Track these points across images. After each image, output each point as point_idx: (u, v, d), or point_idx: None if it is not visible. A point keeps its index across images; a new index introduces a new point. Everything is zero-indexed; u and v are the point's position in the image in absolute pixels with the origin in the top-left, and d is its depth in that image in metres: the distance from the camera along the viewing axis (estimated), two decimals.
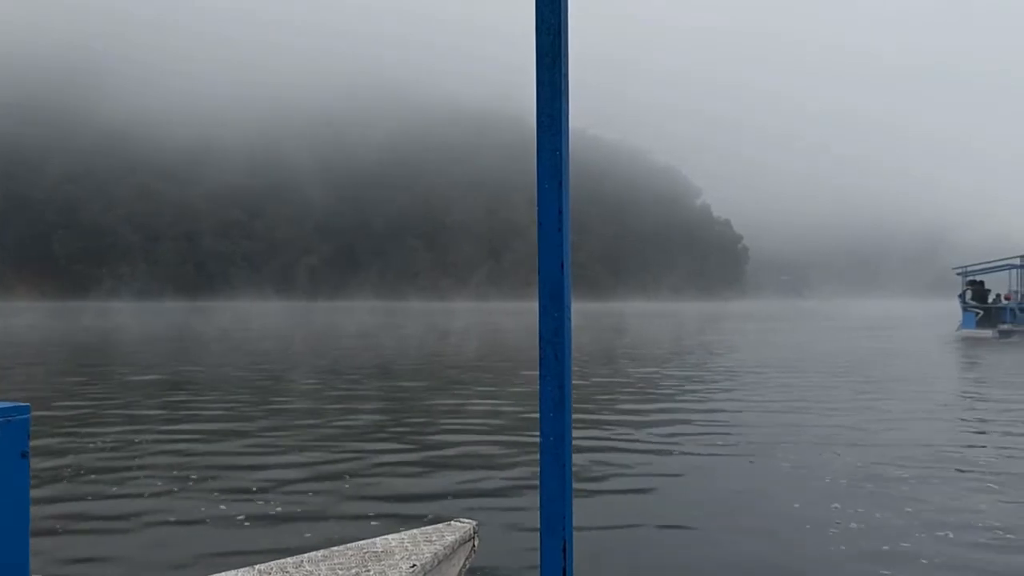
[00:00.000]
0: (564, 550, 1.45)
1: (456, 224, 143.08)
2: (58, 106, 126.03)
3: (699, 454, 8.43)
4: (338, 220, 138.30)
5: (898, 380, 16.29)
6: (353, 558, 2.24)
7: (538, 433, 1.46)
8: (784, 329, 41.86)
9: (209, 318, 56.24)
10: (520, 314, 61.95)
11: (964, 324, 35.42)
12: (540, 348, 1.33)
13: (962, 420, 11.12)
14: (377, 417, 10.91)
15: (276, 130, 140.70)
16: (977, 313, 35.40)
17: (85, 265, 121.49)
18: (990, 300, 36.06)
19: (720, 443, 9.03)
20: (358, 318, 57.26)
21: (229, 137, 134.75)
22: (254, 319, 54.46)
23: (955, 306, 38.25)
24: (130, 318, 56.28)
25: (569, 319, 1.31)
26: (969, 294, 36.25)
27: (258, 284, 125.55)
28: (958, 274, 37.77)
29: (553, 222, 1.26)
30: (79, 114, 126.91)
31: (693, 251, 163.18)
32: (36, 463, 6.04)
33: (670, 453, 8.43)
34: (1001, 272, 36.75)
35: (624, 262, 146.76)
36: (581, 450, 8.23)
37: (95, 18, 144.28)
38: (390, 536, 2.43)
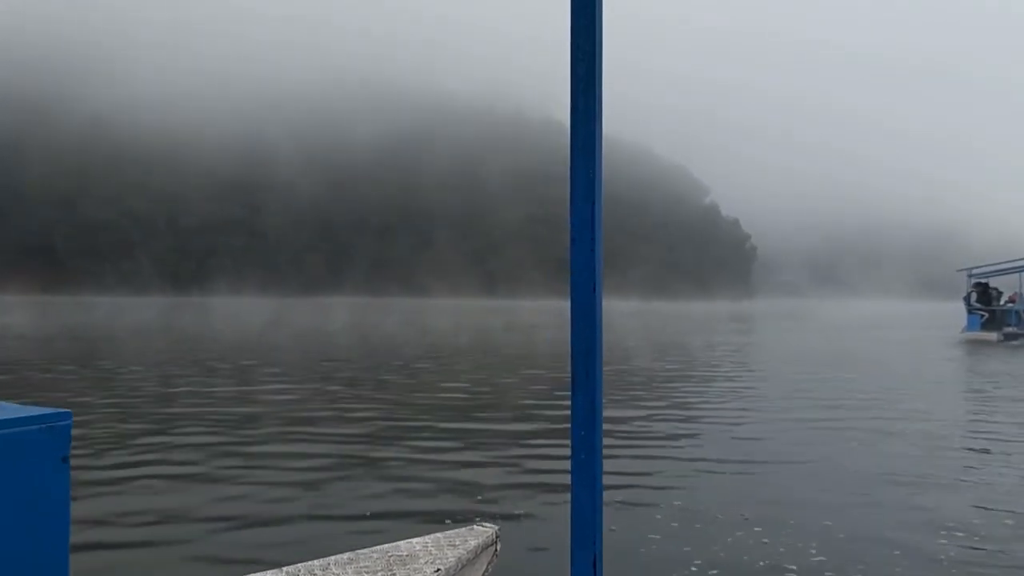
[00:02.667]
0: (595, 564, 1.46)
1: (449, 222, 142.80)
2: (46, 97, 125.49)
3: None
4: (330, 215, 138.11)
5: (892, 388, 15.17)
6: (378, 561, 2.28)
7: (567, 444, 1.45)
8: (784, 331, 40.84)
9: (237, 314, 55.62)
10: (511, 313, 61.14)
11: (969, 327, 34.36)
12: (572, 366, 1.33)
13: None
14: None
15: (266, 123, 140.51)
16: (982, 315, 34.32)
17: (86, 260, 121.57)
18: (1000, 302, 35.03)
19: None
20: (369, 313, 56.55)
21: (219, 130, 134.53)
22: (275, 315, 53.70)
23: (960, 308, 37.25)
24: (147, 312, 55.83)
25: (600, 338, 1.31)
26: (974, 296, 35.17)
27: (254, 279, 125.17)
28: (966, 276, 36.69)
29: (587, 243, 1.29)
30: (68, 105, 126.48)
31: (700, 250, 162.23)
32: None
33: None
34: (1011, 275, 35.69)
35: (629, 260, 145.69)
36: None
37: (82, 10, 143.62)
38: (414, 540, 2.45)
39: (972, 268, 36.44)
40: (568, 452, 1.41)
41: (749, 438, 9.67)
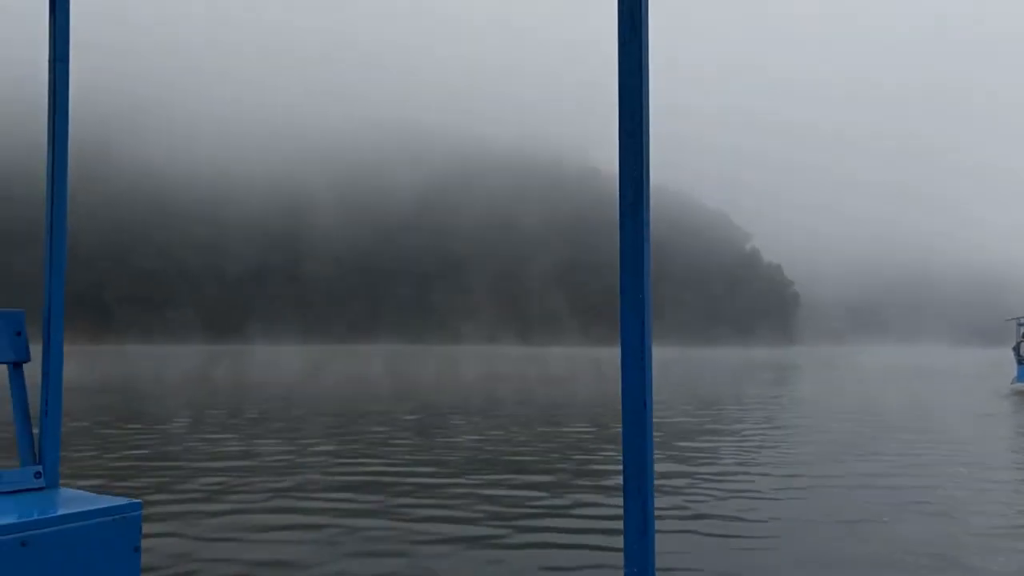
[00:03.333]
0: None
1: (485, 268, 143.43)
2: (98, 149, 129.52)
3: None
4: (368, 262, 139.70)
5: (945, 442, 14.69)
6: None
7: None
8: (825, 380, 39.99)
9: (299, 362, 56.12)
10: (547, 360, 60.73)
11: (1019, 378, 33.16)
12: (623, 415, 1.32)
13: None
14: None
15: (307, 172, 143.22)
16: None
17: (134, 310, 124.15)
18: None
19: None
20: (408, 362, 56.64)
21: (261, 179, 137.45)
22: (317, 364, 54.11)
23: (1009, 355, 36.08)
24: (192, 361, 56.52)
25: (650, 385, 1.31)
26: None
27: (295, 327, 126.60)
28: (1016, 324, 35.52)
29: (636, 292, 1.28)
30: (119, 157, 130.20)
31: (741, 296, 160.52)
32: None
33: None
34: None
35: (668, 307, 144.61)
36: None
37: (130, 63, 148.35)
38: None
39: (1021, 317, 35.40)
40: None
41: (772, 497, 9.40)
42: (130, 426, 15.22)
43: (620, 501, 1.26)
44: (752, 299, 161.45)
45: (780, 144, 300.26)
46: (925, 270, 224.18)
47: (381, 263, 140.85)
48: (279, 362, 56.55)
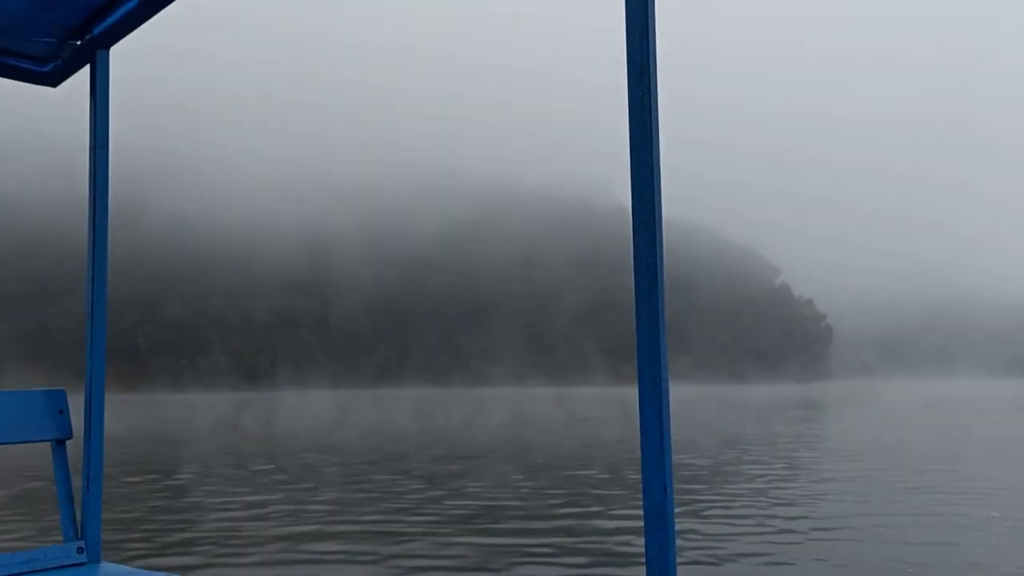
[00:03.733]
0: None
1: (513, 309, 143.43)
2: (129, 200, 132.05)
3: None
4: (396, 305, 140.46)
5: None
6: None
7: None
8: (859, 418, 39.09)
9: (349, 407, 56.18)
10: (575, 401, 60.16)
11: None
12: (642, 450, 1.31)
13: None
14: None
15: (332, 216, 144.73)
16: None
17: (167, 358, 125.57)
18: None
19: None
20: (438, 405, 56.43)
21: (288, 225, 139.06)
22: (346, 409, 54.08)
23: None
24: (225, 409, 56.70)
25: (668, 419, 1.32)
26: None
27: (324, 371, 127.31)
28: None
29: (652, 321, 1.30)
30: (149, 207, 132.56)
31: (771, 332, 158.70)
32: None
33: None
34: None
35: (695, 344, 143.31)
36: None
37: (155, 116, 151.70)
38: None
39: None
40: None
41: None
42: (161, 483, 15.06)
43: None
44: (783, 334, 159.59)
45: (808, 178, 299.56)
46: (958, 302, 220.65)
47: (408, 306, 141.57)
48: (308, 410, 56.57)
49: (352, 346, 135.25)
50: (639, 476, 1.29)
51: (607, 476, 15.22)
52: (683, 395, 70.93)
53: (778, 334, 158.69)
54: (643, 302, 1.31)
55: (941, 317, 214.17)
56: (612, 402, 55.24)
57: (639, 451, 1.29)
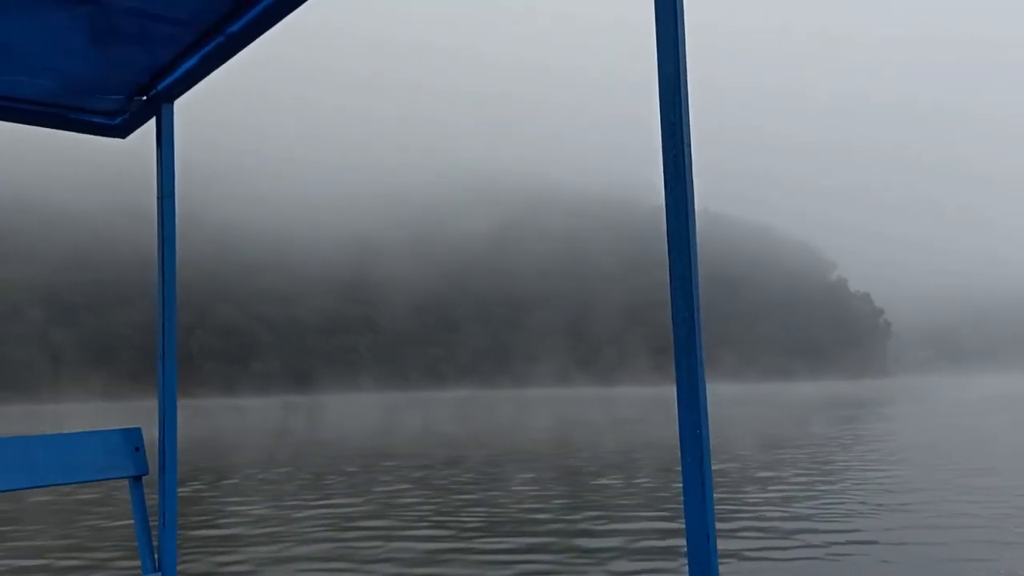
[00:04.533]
0: None
1: (557, 310, 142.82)
2: (181, 210, 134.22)
3: None
4: (441, 307, 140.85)
5: None
6: None
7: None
8: (920, 415, 37.68)
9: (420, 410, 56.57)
10: (621, 402, 59.41)
11: None
12: (682, 455, 1.34)
13: None
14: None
15: (378, 220, 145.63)
16: None
17: (220, 363, 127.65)
18: None
19: None
20: (519, 406, 56.29)
21: (334, 230, 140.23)
22: (399, 411, 54.24)
23: None
24: (278, 413, 57.33)
25: (707, 420, 1.34)
26: None
27: (373, 374, 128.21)
28: None
29: (686, 323, 1.33)
30: (200, 216, 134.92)
31: (825, 328, 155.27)
32: None
33: None
34: None
35: (749, 342, 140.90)
36: None
37: (204, 126, 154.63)
38: None
39: None
40: None
41: None
42: (228, 498, 14.85)
43: None
44: (839, 330, 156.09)
45: (863, 172, 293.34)
46: (1016, 297, 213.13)
47: (454, 307, 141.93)
48: (357, 414, 56.88)
49: (399, 348, 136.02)
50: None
51: (643, 482, 14.60)
52: (735, 394, 69.57)
53: (833, 330, 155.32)
54: (680, 317, 1.31)
55: (997, 311, 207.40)
56: (661, 402, 54.28)
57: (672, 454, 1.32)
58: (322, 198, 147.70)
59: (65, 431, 2.37)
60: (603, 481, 15.25)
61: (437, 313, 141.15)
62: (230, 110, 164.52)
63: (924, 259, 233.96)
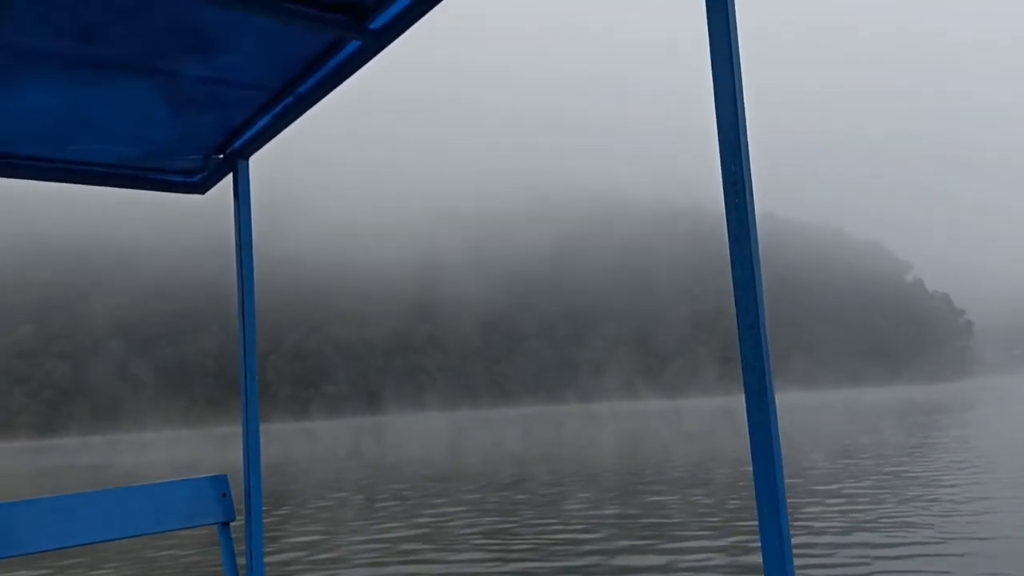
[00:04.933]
0: None
1: (624, 321, 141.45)
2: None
3: None
4: (506, 323, 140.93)
5: None
6: None
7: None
8: (1010, 418, 36.15)
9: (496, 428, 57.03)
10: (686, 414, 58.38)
11: None
12: (754, 469, 1.34)
13: None
14: None
15: (440, 240, 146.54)
16: None
17: (293, 388, 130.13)
18: None
19: None
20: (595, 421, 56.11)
21: (398, 252, 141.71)
22: (470, 431, 54.52)
23: None
24: (351, 435, 58.13)
25: (777, 430, 1.33)
26: None
27: (442, 393, 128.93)
28: None
29: (751, 329, 1.34)
30: (268, 245, 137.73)
31: (902, 330, 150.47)
32: None
33: None
34: None
35: (821, 347, 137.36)
36: None
37: (272, 159, 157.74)
38: None
39: None
40: None
41: None
42: (287, 525, 15.12)
43: None
44: (916, 332, 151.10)
45: (933, 171, 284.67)
46: None
47: (519, 322, 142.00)
48: (427, 434, 57.29)
49: (466, 366, 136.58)
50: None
51: (725, 500, 14.30)
52: (807, 401, 67.78)
53: (910, 332, 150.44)
54: (745, 323, 1.32)
55: None
56: (730, 412, 53.27)
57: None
58: (385, 223, 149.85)
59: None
60: (665, 497, 14.99)
61: (502, 329, 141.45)
62: (295, 143, 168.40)
63: (1005, 259, 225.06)
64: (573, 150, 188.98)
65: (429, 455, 33.15)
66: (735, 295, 1.32)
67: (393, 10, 2.08)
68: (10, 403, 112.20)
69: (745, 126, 1.32)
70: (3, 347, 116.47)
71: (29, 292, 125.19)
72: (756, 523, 1.20)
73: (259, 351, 2.98)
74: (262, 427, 2.59)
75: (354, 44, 2.15)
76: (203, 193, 2.87)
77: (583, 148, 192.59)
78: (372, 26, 2.11)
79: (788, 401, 69.77)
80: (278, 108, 2.41)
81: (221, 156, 2.69)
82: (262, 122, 2.48)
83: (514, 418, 78.86)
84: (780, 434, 1.25)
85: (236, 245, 2.67)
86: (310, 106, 2.37)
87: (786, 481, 1.24)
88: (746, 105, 1.34)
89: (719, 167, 1.32)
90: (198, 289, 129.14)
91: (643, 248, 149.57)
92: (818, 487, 14.61)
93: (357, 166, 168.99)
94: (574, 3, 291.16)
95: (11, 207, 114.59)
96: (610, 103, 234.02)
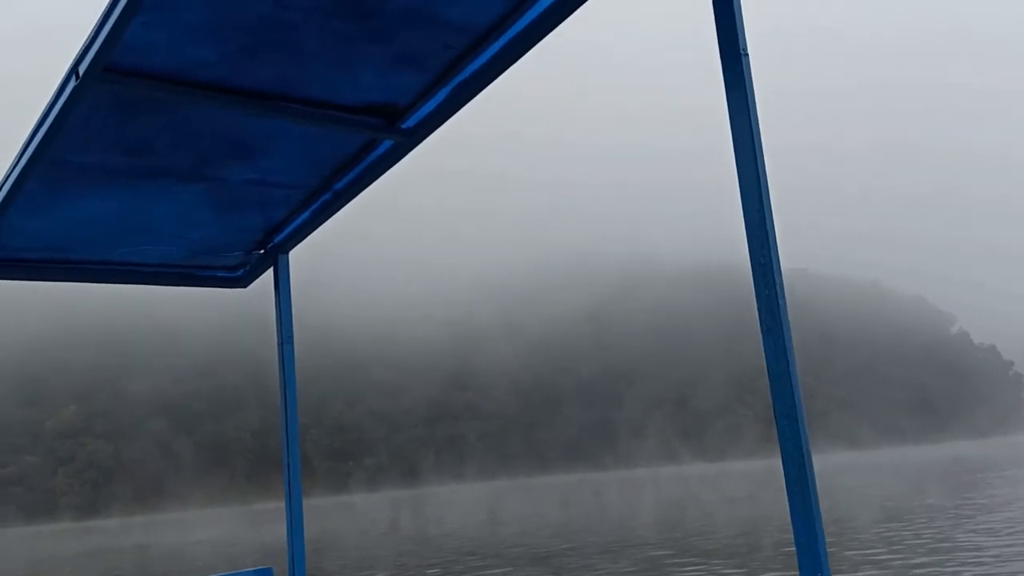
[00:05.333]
0: None
1: (660, 383, 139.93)
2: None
3: None
4: (543, 390, 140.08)
5: None
6: None
7: None
8: None
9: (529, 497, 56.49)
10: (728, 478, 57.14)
11: None
12: (795, 535, 1.34)
13: None
14: None
15: (475, 308, 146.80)
16: None
17: (334, 461, 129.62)
18: None
19: None
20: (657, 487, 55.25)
21: (434, 321, 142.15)
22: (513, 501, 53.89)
23: None
24: (392, 509, 57.67)
25: (813, 476, 1.33)
26: None
27: (482, 462, 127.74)
28: None
29: (784, 374, 1.35)
30: (298, 318, 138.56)
31: (948, 384, 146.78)
32: None
33: None
34: None
35: (863, 404, 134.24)
36: None
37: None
38: None
39: None
40: None
41: None
42: None
43: None
44: (963, 385, 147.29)
45: (977, 225, 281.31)
46: None
47: (557, 388, 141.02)
48: (468, 505, 56.71)
49: (505, 433, 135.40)
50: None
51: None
52: (850, 461, 65.97)
53: (956, 386, 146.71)
54: (776, 375, 1.31)
55: None
56: (773, 473, 52.01)
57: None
58: (419, 291, 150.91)
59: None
60: (710, 567, 14.71)
61: (539, 395, 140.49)
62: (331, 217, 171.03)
63: None
64: (601, 217, 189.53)
65: (465, 528, 32.77)
66: (764, 347, 1.32)
67: (425, 110, 2.18)
68: (54, 484, 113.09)
69: (767, 182, 1.34)
70: (47, 429, 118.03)
71: (71, 374, 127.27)
72: None
73: (301, 425, 3.12)
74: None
75: (387, 143, 2.26)
76: (245, 287, 3.02)
77: (611, 215, 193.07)
78: (405, 125, 2.21)
79: (829, 461, 68.07)
80: (316, 204, 2.53)
81: (262, 251, 2.81)
82: (301, 218, 2.61)
83: (554, 486, 77.73)
84: (820, 498, 1.25)
85: (278, 339, 2.76)
86: (347, 202, 2.50)
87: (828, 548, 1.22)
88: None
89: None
90: (237, 366, 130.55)
91: (677, 308, 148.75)
92: (855, 553, 14.20)
93: (390, 237, 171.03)
94: (601, 74, 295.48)
95: (51, 292, 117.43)
96: (638, 168, 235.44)
